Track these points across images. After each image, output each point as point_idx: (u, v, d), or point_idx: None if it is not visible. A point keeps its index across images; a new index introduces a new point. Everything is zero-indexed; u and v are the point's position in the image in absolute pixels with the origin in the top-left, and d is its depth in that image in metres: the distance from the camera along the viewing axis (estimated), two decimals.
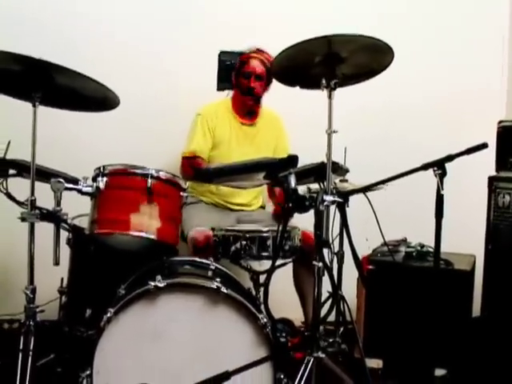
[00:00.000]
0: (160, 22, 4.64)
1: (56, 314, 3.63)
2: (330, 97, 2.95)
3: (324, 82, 2.94)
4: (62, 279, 3.60)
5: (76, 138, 4.43)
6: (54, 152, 3.70)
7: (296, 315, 4.13)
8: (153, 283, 2.71)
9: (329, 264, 3.09)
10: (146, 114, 4.55)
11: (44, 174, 3.18)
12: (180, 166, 4.07)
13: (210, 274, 2.99)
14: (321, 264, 2.90)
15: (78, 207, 3.36)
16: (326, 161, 2.98)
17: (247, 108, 4.20)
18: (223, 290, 2.75)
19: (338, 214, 3.42)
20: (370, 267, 3.91)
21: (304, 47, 2.91)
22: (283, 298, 3.86)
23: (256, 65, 4.07)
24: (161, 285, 2.71)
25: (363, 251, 3.70)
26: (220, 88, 4.43)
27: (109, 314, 2.72)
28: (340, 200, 2.94)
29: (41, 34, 4.29)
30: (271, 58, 3.90)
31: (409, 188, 3.94)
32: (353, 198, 3.28)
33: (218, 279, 2.82)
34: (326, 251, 2.99)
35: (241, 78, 4.13)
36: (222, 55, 4.47)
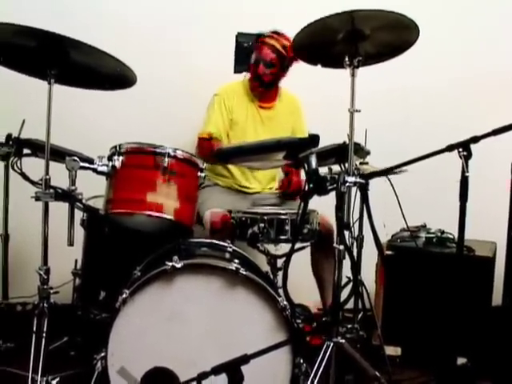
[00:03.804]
0: (176, 3, 4.61)
1: (70, 297, 3.62)
2: (352, 75, 2.90)
3: (347, 59, 2.89)
4: (76, 261, 3.58)
5: (91, 119, 4.42)
6: (68, 132, 3.68)
7: (312, 302, 4.07)
8: (170, 263, 2.66)
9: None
10: (162, 95, 4.52)
11: (59, 154, 3.16)
12: (196, 146, 4.02)
13: (227, 256, 2.96)
14: (342, 247, 2.85)
15: (93, 189, 3.35)
16: (347, 141, 2.93)
17: (259, 93, 4.13)
18: (242, 271, 2.70)
19: (357, 199, 3.42)
20: (389, 253, 3.86)
21: (326, 24, 2.86)
22: (299, 283, 3.72)
23: (265, 52, 3.97)
24: (178, 265, 2.66)
25: (381, 238, 3.62)
26: (237, 70, 4.37)
27: (124, 295, 2.68)
28: (362, 181, 2.89)
29: (54, 15, 4.24)
30: (289, 41, 3.83)
31: (428, 173, 3.91)
32: (371, 183, 3.18)
33: (236, 261, 2.77)
34: (346, 234, 2.93)
35: (252, 63, 4.06)
36: (240, 37, 4.43)
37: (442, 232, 3.99)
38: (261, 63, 3.98)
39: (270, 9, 4.57)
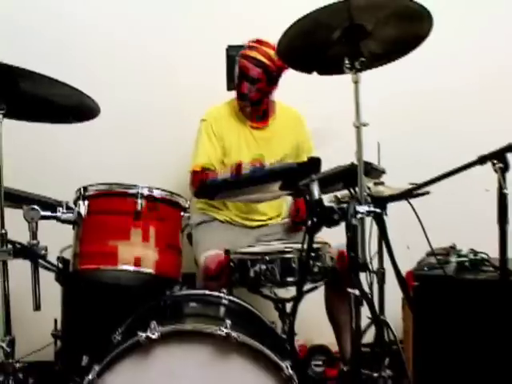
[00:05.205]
0: (157, 14, 4.21)
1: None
2: (356, 81, 2.50)
3: (347, 62, 2.50)
4: (56, 321, 3.17)
5: (63, 155, 4.04)
6: (31, 171, 3.30)
7: (332, 339, 3.67)
8: (144, 334, 2.21)
9: (368, 287, 2.76)
10: (145, 121, 4.15)
11: (16, 199, 2.81)
12: (189, 182, 3.63)
13: (221, 312, 2.59)
14: (357, 292, 2.46)
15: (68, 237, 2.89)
16: (356, 161, 2.54)
17: (248, 112, 3.73)
18: (234, 335, 2.23)
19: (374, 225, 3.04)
20: (416, 284, 3.39)
21: (318, 19, 2.47)
22: (316, 321, 3.57)
23: (248, 66, 3.57)
24: (154, 336, 2.21)
25: (405, 264, 3.24)
26: (231, 87, 3.98)
27: (90, 376, 2.24)
28: (377, 210, 2.51)
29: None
30: (274, 49, 3.36)
31: (453, 187, 3.46)
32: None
33: (229, 321, 2.29)
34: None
35: (235, 80, 3.68)
36: (231, 50, 4.09)
37: (475, 253, 3.53)
38: (244, 80, 3.59)
39: (262, 16, 4.19)
